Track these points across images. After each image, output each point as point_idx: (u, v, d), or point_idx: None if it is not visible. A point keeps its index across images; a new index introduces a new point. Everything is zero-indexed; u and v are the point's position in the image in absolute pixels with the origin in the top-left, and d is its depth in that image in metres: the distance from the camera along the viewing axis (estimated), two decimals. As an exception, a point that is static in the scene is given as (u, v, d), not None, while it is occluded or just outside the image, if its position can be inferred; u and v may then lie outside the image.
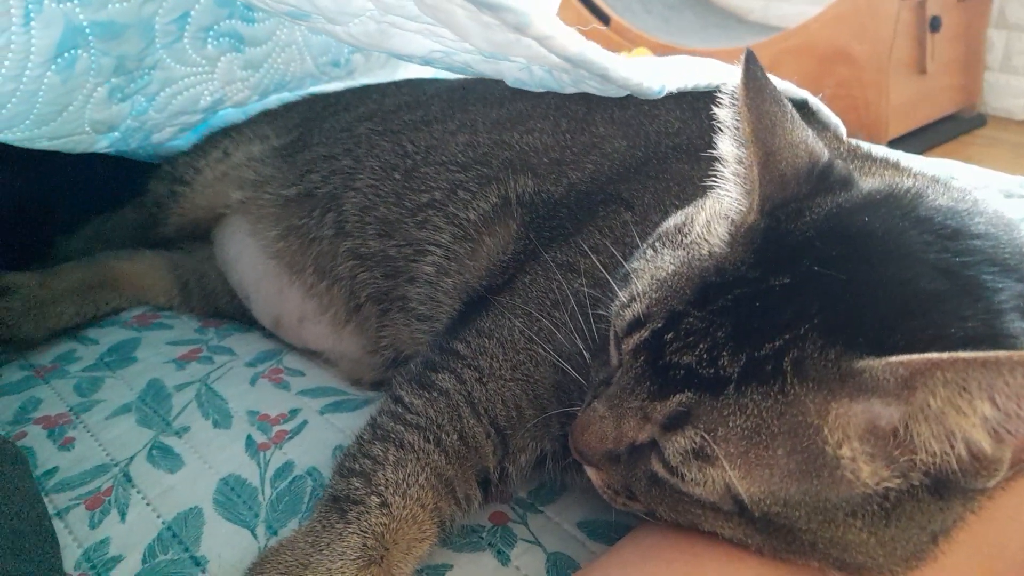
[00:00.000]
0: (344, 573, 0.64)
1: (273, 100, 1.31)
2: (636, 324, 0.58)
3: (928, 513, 0.52)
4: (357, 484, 0.69)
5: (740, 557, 0.57)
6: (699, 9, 4.17)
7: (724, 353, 0.53)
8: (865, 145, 0.92)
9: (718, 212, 0.61)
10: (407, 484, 0.69)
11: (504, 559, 0.72)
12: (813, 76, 3.17)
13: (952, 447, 0.48)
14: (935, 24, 3.18)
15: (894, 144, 3.17)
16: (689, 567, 0.57)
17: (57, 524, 0.77)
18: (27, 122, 0.97)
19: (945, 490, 0.51)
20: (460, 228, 0.88)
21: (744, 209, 0.58)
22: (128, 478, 0.83)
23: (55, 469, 0.86)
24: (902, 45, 3.12)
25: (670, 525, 0.60)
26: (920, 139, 3.35)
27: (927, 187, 0.60)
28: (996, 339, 0.49)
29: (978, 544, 0.58)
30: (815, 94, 0.95)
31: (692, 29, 3.91)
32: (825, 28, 3.18)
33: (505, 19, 0.64)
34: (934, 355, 0.47)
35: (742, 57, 0.59)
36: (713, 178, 0.63)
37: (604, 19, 3.77)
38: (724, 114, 0.60)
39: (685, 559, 0.58)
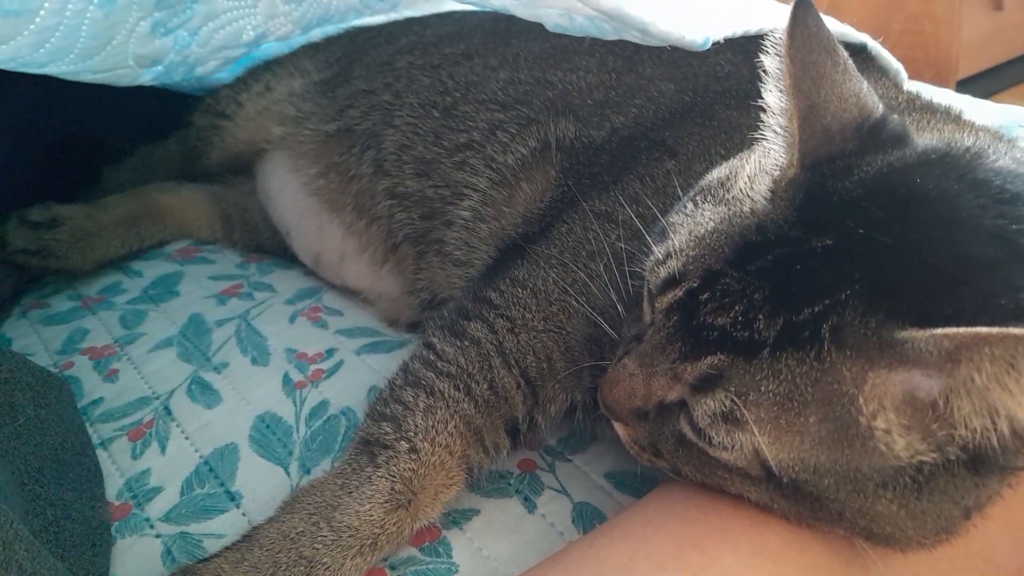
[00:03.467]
0: (372, 516, 0.65)
1: (316, 34, 1.29)
2: (671, 282, 0.56)
3: (963, 488, 0.50)
4: (387, 429, 0.69)
5: (765, 522, 0.56)
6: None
7: (760, 316, 0.51)
8: (927, 93, 0.87)
9: (763, 167, 0.58)
10: (436, 431, 0.69)
11: (531, 506, 0.73)
12: (882, 9, 3.02)
13: (994, 424, 0.46)
14: (1016, -45, 3.00)
15: (964, 84, 3.03)
16: (713, 529, 0.57)
17: (101, 454, 0.80)
18: (71, 56, 0.96)
19: (983, 466, 0.49)
20: (497, 173, 0.87)
21: (785, 163, 0.56)
22: (168, 411, 0.86)
23: (100, 400, 0.88)
24: (979, -23, 2.95)
25: (696, 485, 0.59)
26: (992, 79, 3.19)
27: (988, 146, 0.56)
28: (1050, 313, 0.46)
29: (1011, 519, 0.56)
30: (884, 29, 0.89)
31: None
32: (897, -42, 3.01)
33: (540, -28, 0.61)
34: (983, 329, 0.44)
35: (793, 3, 0.55)
36: (760, 130, 0.60)
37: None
38: (769, 63, 0.57)
39: (709, 520, 0.58)
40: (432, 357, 0.75)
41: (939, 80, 2.93)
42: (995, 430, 0.46)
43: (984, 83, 3.14)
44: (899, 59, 0.94)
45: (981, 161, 0.54)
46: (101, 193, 1.23)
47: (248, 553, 0.63)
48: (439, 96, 0.96)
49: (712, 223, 0.57)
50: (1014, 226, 0.49)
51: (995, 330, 0.44)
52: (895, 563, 0.56)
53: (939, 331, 0.45)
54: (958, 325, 0.45)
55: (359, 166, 1.00)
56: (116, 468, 0.79)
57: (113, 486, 0.77)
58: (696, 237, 0.57)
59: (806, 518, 0.55)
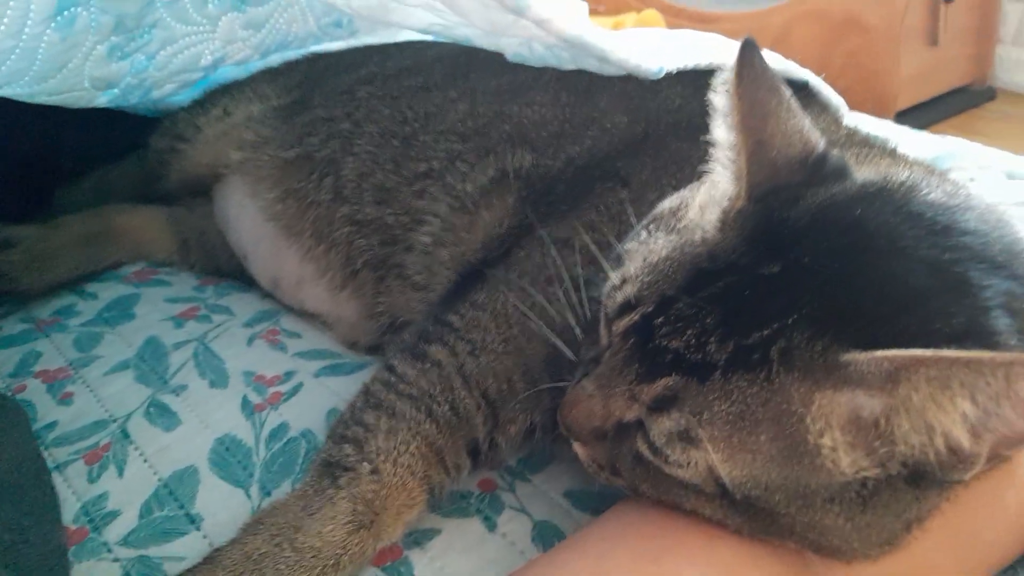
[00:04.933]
0: (334, 536, 0.66)
1: (275, 59, 1.30)
2: (627, 307, 0.58)
3: (904, 502, 0.53)
4: (349, 451, 0.70)
5: (719, 536, 0.58)
6: (715, -31, 4.10)
7: (712, 339, 0.53)
8: (867, 125, 0.91)
9: (713, 198, 0.61)
10: (398, 452, 0.70)
11: (491, 525, 0.74)
12: (826, 43, 3.13)
13: (931, 441, 0.49)
14: (950, -6, 3.14)
15: (903, 116, 3.14)
16: (669, 544, 0.59)
17: (56, 478, 0.79)
18: (27, 78, 0.96)
19: (922, 480, 0.52)
20: (457, 200, 0.89)
21: (734, 195, 0.59)
22: (126, 434, 0.85)
23: (55, 423, 0.87)
24: (915, 15, 3.08)
25: (652, 502, 0.61)
26: (929, 111, 3.32)
27: (921, 180, 0.60)
28: (980, 336, 0.50)
29: (953, 531, 0.59)
30: (826, 63, 0.94)
31: (704, -11, 3.85)
32: (840, -6, 3.13)
33: (504, 2, 0.64)
34: (919, 352, 0.47)
35: (740, 43, 0.59)
36: (709, 162, 0.63)
37: (617, -25, 3.70)
38: (719, 100, 0.60)
39: (665, 535, 0.60)
40: (394, 379, 0.76)
41: (879, 112, 3.03)
42: (932, 446, 0.50)
43: (921, 115, 3.27)
44: (841, 92, 0.99)
45: (915, 194, 0.57)
46: (55, 214, 1.21)
47: (211, 575, 0.63)
48: (399, 126, 0.98)
49: (665, 251, 0.59)
50: (946, 256, 0.53)
51: (930, 352, 0.47)
52: (841, 574, 0.58)
53: (880, 353, 0.48)
54: (898, 348, 0.48)
55: (318, 192, 1.01)
56: (72, 492, 0.78)
57: (69, 510, 0.76)
58: (650, 264, 0.59)
59: (758, 532, 0.57)
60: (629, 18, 2.98)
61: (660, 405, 0.55)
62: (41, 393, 0.92)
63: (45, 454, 0.82)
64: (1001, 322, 0.51)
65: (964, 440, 0.48)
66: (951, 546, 0.61)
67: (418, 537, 0.72)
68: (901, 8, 3.00)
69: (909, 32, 3.08)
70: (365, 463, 0.69)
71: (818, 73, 0.96)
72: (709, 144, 0.62)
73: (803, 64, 0.94)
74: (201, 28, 1.11)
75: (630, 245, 0.63)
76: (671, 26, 3.11)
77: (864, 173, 0.61)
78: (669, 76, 0.87)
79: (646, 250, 0.61)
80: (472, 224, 0.87)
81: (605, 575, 0.58)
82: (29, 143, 1.25)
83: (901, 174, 0.61)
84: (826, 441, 0.51)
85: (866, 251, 0.53)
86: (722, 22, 3.40)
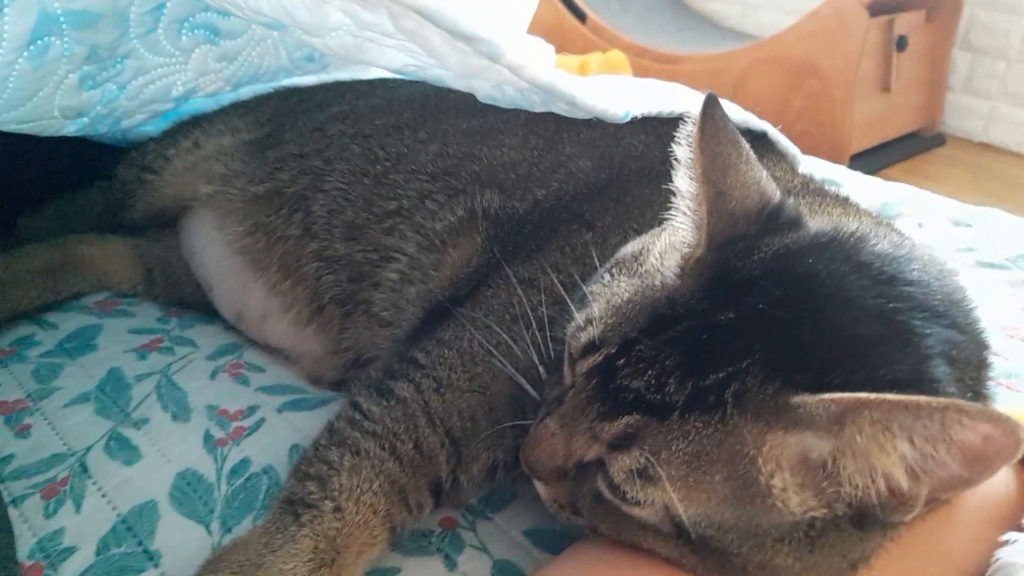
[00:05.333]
0: (296, 574, 0.66)
1: (246, 91, 1.31)
2: (591, 348, 0.60)
3: (849, 542, 0.56)
4: (312, 488, 0.71)
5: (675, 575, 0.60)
6: (677, 12, 4.21)
7: (671, 381, 0.55)
8: (822, 170, 0.95)
9: (672, 244, 0.64)
10: (361, 490, 0.71)
11: (451, 564, 0.75)
12: (784, 87, 3.23)
13: (873, 481, 0.52)
14: (902, 44, 3.25)
15: (855, 159, 3.24)
16: (626, 582, 0.60)
17: (12, 512, 0.78)
18: (-4, 106, 0.96)
19: (866, 522, 0.55)
20: (426, 238, 0.90)
21: (693, 243, 0.61)
22: (84, 468, 0.84)
23: (11, 456, 0.86)
24: (869, 63, 3.19)
25: (611, 542, 0.63)
26: (881, 156, 3.43)
27: (870, 231, 0.63)
28: (921, 383, 0.53)
29: (897, 571, 0.61)
30: (785, 106, 0.98)
31: (668, 31, 3.95)
32: (797, 41, 3.23)
33: (479, 48, 0.67)
34: (863, 395, 0.50)
35: (702, 99, 0.62)
36: (670, 209, 0.65)
37: (581, 16, 3.78)
38: (681, 152, 0.63)
39: (623, 574, 0.61)
40: (358, 416, 0.77)
41: (834, 154, 3.13)
42: (874, 487, 0.52)
43: (874, 158, 3.38)
44: (798, 134, 1.04)
45: (863, 245, 0.61)
46: (16, 242, 1.20)
47: (170, 613, 0.63)
48: (370, 164, 1.00)
49: (627, 294, 0.61)
50: (891, 304, 0.56)
51: (873, 396, 0.50)
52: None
53: (827, 396, 0.51)
54: (844, 392, 0.51)
55: (287, 228, 1.02)
56: (28, 527, 0.77)
57: (24, 546, 0.75)
58: (613, 306, 0.61)
59: (712, 571, 0.58)
60: (595, 58, 3.04)
61: (621, 443, 0.57)
62: (-2, 425, 0.91)
63: (1, 487, 0.81)
64: (940, 370, 0.54)
65: (903, 481, 0.51)
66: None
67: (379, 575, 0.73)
68: (856, 56, 3.11)
69: (863, 79, 3.19)
70: (328, 501, 0.70)
71: (776, 115, 1.00)
72: (671, 191, 0.65)
73: (762, 105, 0.98)
74: (173, 59, 1.12)
75: (594, 287, 0.65)
76: (635, 66, 3.19)
77: (817, 223, 0.64)
78: (633, 123, 0.90)
79: (609, 293, 0.63)
80: (440, 262, 0.89)
81: (565, 614, 0.59)
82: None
83: (851, 224, 0.64)
84: (777, 482, 0.53)
85: (816, 299, 0.56)
86: (685, 63, 3.49)
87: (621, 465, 0.56)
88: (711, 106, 0.61)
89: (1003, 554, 0.65)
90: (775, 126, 0.98)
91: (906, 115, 3.55)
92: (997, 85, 3.52)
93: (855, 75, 3.15)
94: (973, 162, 3.54)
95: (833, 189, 0.90)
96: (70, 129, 1.13)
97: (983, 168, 3.48)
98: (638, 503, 0.57)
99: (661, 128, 0.93)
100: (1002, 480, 0.70)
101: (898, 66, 3.30)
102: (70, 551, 0.75)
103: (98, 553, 0.75)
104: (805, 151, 1.53)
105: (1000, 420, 0.46)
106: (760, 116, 0.97)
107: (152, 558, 0.74)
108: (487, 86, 0.88)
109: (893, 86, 3.32)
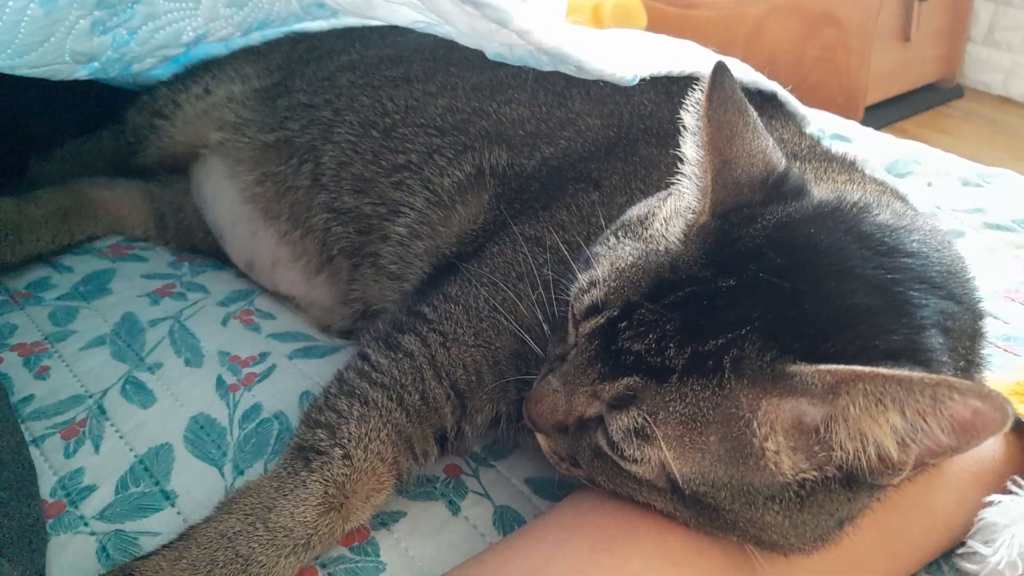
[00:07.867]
0: (305, 517, 0.69)
1: (256, 37, 1.30)
2: (593, 310, 0.62)
3: (837, 502, 0.58)
4: (322, 435, 0.73)
5: (669, 528, 0.62)
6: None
7: (671, 345, 0.57)
8: (833, 125, 0.95)
9: (677, 210, 0.64)
10: (369, 439, 0.73)
11: (455, 509, 0.78)
12: (800, 36, 3.17)
13: (864, 449, 0.54)
14: (924, -8, 3.19)
15: (871, 111, 3.20)
16: (622, 534, 0.63)
17: (33, 451, 0.81)
18: (9, 51, 0.97)
19: (854, 483, 0.57)
20: (434, 194, 0.91)
21: (698, 210, 0.62)
22: (102, 411, 0.87)
23: (31, 397, 0.89)
24: (889, 12, 3.13)
25: (608, 493, 0.65)
26: (897, 107, 3.39)
27: (873, 200, 0.64)
28: (916, 354, 0.55)
29: (882, 529, 0.64)
30: (800, 56, 0.98)
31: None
32: (816, -12, 3.17)
33: (487, 13, 0.67)
34: (859, 368, 0.52)
35: (712, 67, 0.62)
36: (677, 175, 0.66)
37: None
38: (689, 120, 0.64)
39: (620, 526, 0.64)
40: (367, 368, 0.79)
41: (849, 105, 3.10)
42: (864, 453, 0.54)
43: (890, 110, 3.34)
44: (813, 85, 1.03)
45: (866, 215, 0.61)
46: (29, 185, 1.22)
47: (186, 551, 0.66)
48: (379, 117, 1.00)
49: (631, 258, 0.63)
50: (889, 276, 0.57)
51: (868, 369, 0.51)
52: (780, 566, 0.63)
53: (823, 367, 0.53)
54: (840, 363, 0.52)
55: (296, 178, 1.03)
56: (49, 466, 0.81)
57: (46, 484, 0.78)
58: (617, 270, 0.63)
59: (704, 526, 0.61)
60: (609, 1, 2.99)
61: (620, 403, 0.58)
62: (17, 366, 0.93)
63: (22, 427, 0.84)
64: (935, 340, 0.56)
65: (893, 450, 0.53)
66: (880, 542, 0.66)
67: (385, 519, 0.76)
68: (876, 4, 3.05)
69: (883, 28, 3.14)
70: (337, 448, 0.72)
71: (791, 65, 1.00)
72: (678, 154, 0.65)
73: (777, 54, 0.98)
74: (184, 5, 1.12)
75: (599, 249, 0.66)
76: (650, 10, 3.14)
77: (821, 190, 0.65)
78: (643, 82, 0.90)
79: (614, 256, 0.64)
80: (447, 218, 0.90)
81: (563, 561, 0.62)
82: (1, 112, 1.24)
83: (855, 194, 0.65)
84: (770, 444, 0.55)
85: (816, 269, 0.57)
86: (700, 8, 3.42)
87: (620, 424, 0.58)
88: (720, 74, 0.62)
89: (987, 514, 0.68)
90: (790, 77, 0.98)
91: (925, 66, 3.49)
92: (1020, 37, 3.46)
93: (875, 24, 3.09)
94: (990, 116, 3.49)
95: (843, 146, 0.90)
96: (81, 73, 1.13)
97: (1000, 123, 3.44)
98: (635, 460, 0.59)
99: (671, 87, 0.92)
100: (989, 445, 0.72)
101: (919, 15, 3.23)
102: (90, 489, 0.78)
103: (117, 491, 0.78)
104: (819, 102, 1.51)
105: (989, 396, 0.48)
106: (775, 65, 0.96)
107: (168, 497, 0.78)
108: (495, 45, 0.88)
109: (913, 36, 3.26)
